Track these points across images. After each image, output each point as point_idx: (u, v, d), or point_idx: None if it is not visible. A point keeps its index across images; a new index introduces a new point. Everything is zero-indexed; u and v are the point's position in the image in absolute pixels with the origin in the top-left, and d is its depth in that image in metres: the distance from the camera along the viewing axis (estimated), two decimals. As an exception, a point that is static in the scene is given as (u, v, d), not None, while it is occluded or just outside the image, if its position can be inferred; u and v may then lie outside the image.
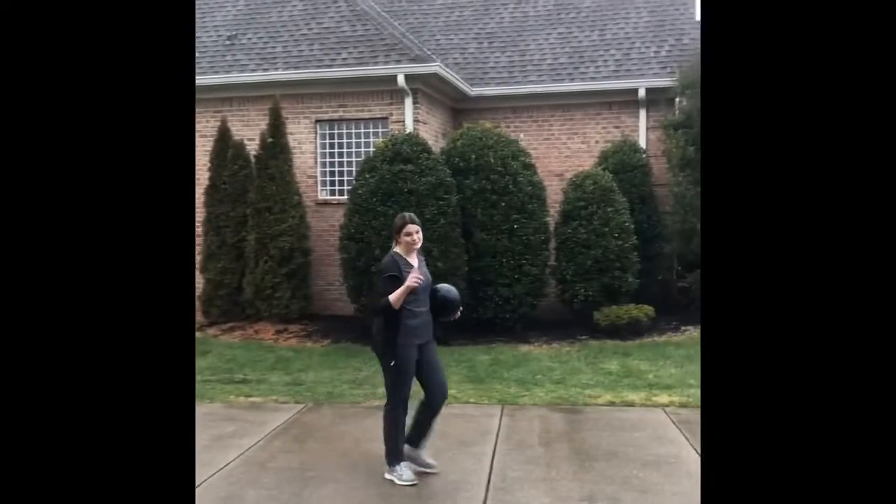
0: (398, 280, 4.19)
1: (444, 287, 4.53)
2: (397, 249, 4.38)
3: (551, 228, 9.93)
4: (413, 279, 4.15)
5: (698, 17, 12.28)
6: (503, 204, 9.34)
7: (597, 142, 11.32)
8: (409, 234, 4.32)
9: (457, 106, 11.66)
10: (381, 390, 4.80)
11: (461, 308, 4.55)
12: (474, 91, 11.38)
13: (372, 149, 9.59)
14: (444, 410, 6.01)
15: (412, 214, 4.46)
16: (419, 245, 4.38)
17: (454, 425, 5.51)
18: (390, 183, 8.79)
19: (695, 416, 5.81)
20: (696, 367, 7.38)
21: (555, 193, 10.77)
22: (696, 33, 11.79)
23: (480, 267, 9.37)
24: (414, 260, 4.38)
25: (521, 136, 11.21)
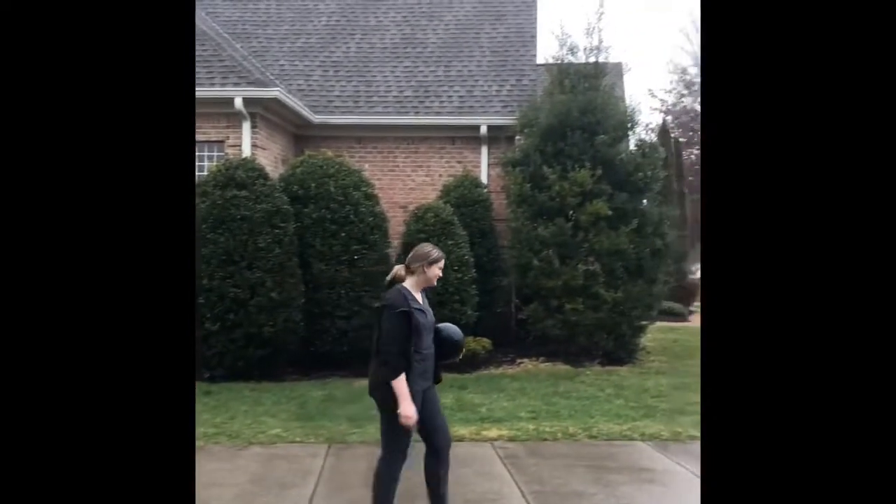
0: (409, 316, 3.67)
1: (448, 327, 4.01)
2: (407, 284, 3.82)
3: (393, 260, 9.82)
4: (406, 418, 3.65)
5: (539, 60, 12.81)
6: (343, 234, 9.14)
7: (440, 175, 11.42)
8: (440, 268, 3.84)
9: (299, 133, 11.38)
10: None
11: (464, 348, 4.08)
12: (318, 119, 11.17)
13: (205, 173, 9.11)
14: (266, 451, 5.69)
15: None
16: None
17: (275, 467, 5.18)
18: (222, 209, 8.35)
19: (522, 449, 5.82)
20: (528, 400, 7.48)
21: (398, 225, 10.71)
22: (535, 74, 12.27)
23: (318, 298, 9.08)
24: (419, 296, 3.86)
25: (366, 166, 11.10)
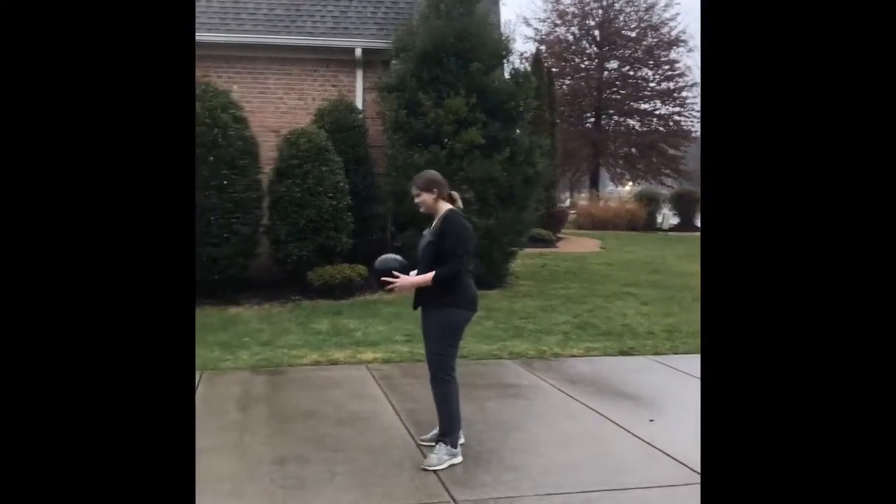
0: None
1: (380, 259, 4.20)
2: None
3: (265, 186, 9.60)
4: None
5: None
6: (211, 158, 8.81)
7: (314, 99, 11.12)
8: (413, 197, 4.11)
9: (162, 50, 10.70)
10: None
11: (382, 273, 4.02)
12: (182, 35, 10.52)
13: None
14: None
15: None
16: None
17: (143, 396, 5.08)
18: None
19: (396, 370, 6.00)
20: (402, 324, 7.65)
21: (270, 150, 10.41)
22: (412, -2, 12.03)
23: (186, 225, 8.77)
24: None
25: (234, 87, 10.63)
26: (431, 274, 3.86)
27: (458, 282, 3.90)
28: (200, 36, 10.68)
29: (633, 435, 4.47)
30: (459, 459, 3.93)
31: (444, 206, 4.01)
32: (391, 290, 4.01)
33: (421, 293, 3.99)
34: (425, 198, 4.00)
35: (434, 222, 3.99)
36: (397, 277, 3.91)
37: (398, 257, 4.12)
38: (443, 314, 3.91)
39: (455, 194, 4.12)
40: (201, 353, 6.41)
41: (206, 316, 8.07)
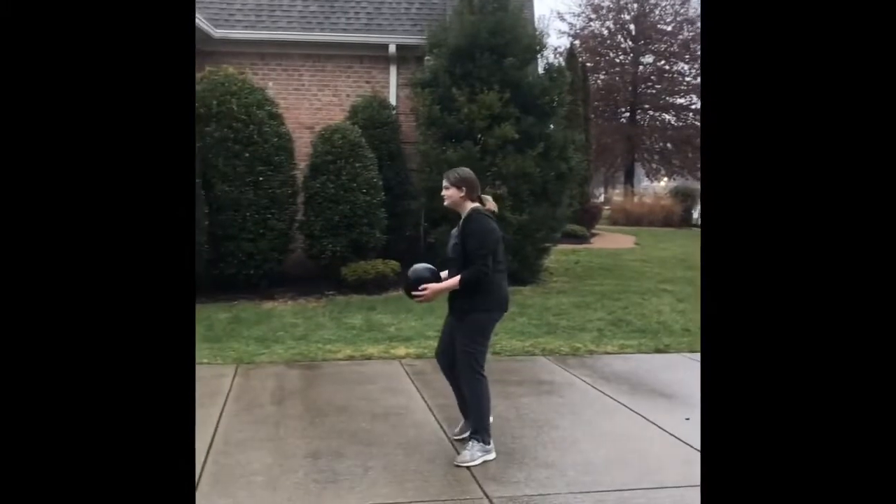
0: None
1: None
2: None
3: (299, 182, 9.68)
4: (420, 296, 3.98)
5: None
6: (247, 154, 8.91)
7: (348, 95, 11.18)
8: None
9: (199, 47, 10.82)
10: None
11: (412, 286, 4.01)
12: (218, 33, 10.64)
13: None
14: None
15: None
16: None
17: (181, 388, 5.15)
18: (117, 127, 7.94)
19: (429, 366, 6.01)
20: (435, 319, 7.65)
21: (304, 146, 10.50)
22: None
23: (222, 221, 8.90)
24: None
25: (270, 84, 10.74)
26: (457, 278, 3.85)
27: (488, 282, 3.88)
28: (236, 33, 10.85)
29: (669, 433, 4.41)
30: (493, 456, 3.91)
31: (469, 206, 3.97)
32: (421, 301, 3.99)
33: (452, 294, 3.99)
34: (452, 193, 3.97)
35: (459, 222, 3.99)
36: (426, 289, 3.91)
37: (430, 266, 4.07)
38: (470, 316, 3.90)
39: (487, 198, 4.07)
40: (237, 347, 6.50)
41: (241, 310, 8.17)
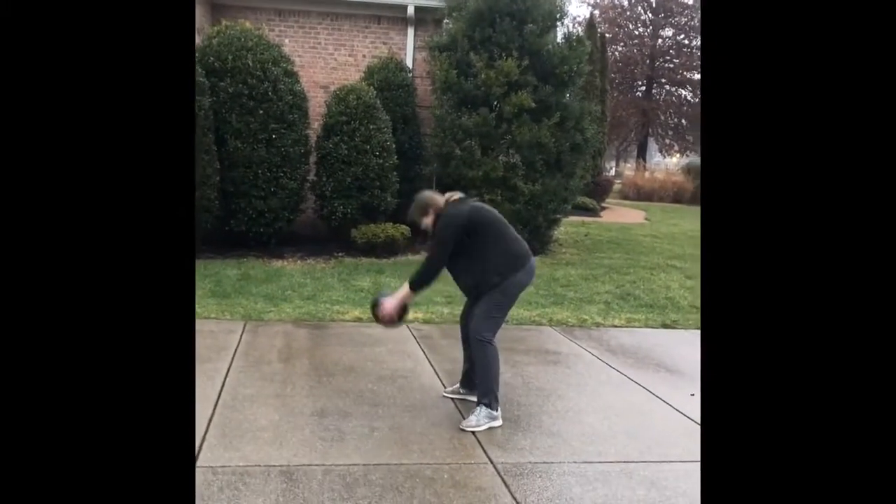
0: None
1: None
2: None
3: (312, 142, 9.62)
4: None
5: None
6: (261, 111, 8.84)
7: (364, 56, 11.07)
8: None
9: (215, 1, 10.71)
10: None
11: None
12: (236, -13, 10.52)
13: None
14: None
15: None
16: None
17: (189, 342, 5.18)
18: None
19: (436, 331, 6.02)
20: (442, 286, 7.62)
21: (318, 106, 10.43)
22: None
23: (233, 177, 8.88)
24: None
25: (286, 41, 10.62)
26: (406, 285, 4.03)
27: (498, 249, 3.92)
28: (254, -12, 10.69)
29: (674, 408, 4.42)
30: (499, 423, 3.93)
31: (447, 207, 4.05)
32: (385, 320, 4.12)
33: (465, 285, 4.08)
34: (429, 220, 4.06)
35: None
36: (383, 307, 4.06)
37: (383, 292, 4.32)
38: (497, 289, 3.94)
39: (450, 193, 4.13)
40: (245, 304, 6.52)
41: (251, 268, 8.19)
